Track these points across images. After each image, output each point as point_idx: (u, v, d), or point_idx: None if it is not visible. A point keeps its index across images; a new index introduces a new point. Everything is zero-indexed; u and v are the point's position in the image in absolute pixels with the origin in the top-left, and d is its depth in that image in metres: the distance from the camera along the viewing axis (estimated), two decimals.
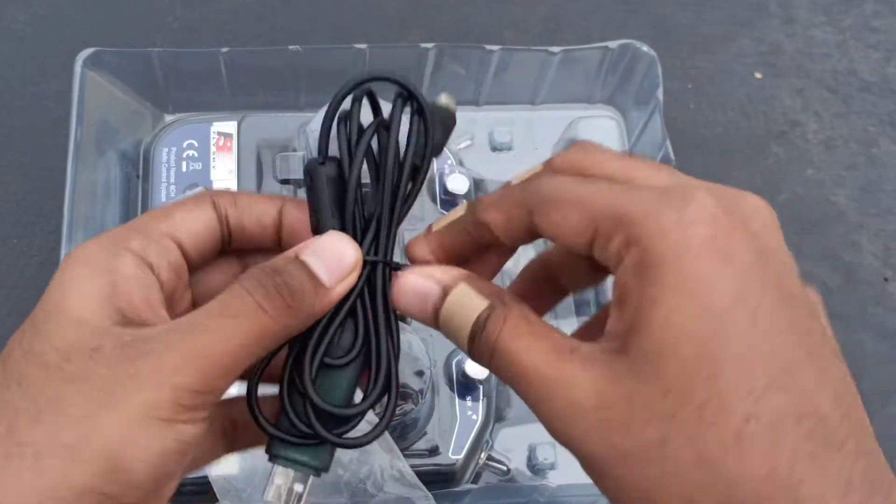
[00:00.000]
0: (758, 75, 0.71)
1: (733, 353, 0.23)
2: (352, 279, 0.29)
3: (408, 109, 0.30)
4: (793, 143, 0.68)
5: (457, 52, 0.60)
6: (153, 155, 0.57)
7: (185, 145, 0.57)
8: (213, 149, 0.57)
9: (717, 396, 0.22)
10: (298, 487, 0.29)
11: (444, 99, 0.31)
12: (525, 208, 0.27)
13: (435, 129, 0.30)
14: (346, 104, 0.30)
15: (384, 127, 0.29)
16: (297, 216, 0.31)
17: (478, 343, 0.27)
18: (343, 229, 0.29)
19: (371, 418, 0.30)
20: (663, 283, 0.23)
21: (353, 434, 0.29)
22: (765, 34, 0.73)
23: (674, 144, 0.56)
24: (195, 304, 0.31)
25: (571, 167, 0.27)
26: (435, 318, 0.28)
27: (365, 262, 0.29)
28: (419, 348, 0.49)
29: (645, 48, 0.60)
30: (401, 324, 0.31)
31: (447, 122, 0.31)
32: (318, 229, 0.30)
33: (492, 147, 0.63)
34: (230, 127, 0.58)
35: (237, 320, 0.26)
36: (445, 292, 0.28)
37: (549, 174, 0.27)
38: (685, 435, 0.23)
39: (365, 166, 0.30)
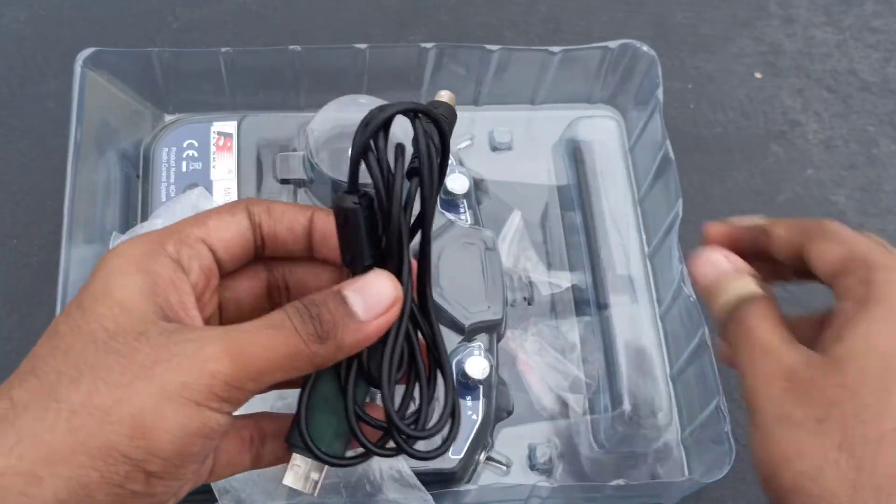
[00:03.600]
0: (758, 75, 0.71)
1: None
2: (391, 315, 0.30)
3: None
4: (793, 143, 0.68)
5: (457, 52, 0.60)
6: (153, 155, 0.57)
7: (185, 145, 0.57)
8: (213, 149, 0.57)
9: (880, 403, 0.29)
10: (315, 475, 0.32)
11: (444, 95, 0.32)
12: (805, 235, 0.35)
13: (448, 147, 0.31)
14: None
15: (411, 165, 0.30)
16: (328, 225, 0.32)
17: (735, 311, 0.35)
18: (381, 263, 0.31)
19: None
20: (875, 313, 0.31)
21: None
22: (765, 34, 0.73)
23: (674, 144, 0.56)
24: (221, 309, 0.34)
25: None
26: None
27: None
28: None
29: (645, 48, 0.60)
30: None
31: (449, 118, 0.32)
32: (352, 263, 0.31)
33: (492, 147, 0.63)
34: (230, 127, 0.58)
35: (274, 334, 0.29)
36: (737, 272, 0.36)
37: (829, 223, 0.36)
38: (840, 421, 0.29)
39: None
